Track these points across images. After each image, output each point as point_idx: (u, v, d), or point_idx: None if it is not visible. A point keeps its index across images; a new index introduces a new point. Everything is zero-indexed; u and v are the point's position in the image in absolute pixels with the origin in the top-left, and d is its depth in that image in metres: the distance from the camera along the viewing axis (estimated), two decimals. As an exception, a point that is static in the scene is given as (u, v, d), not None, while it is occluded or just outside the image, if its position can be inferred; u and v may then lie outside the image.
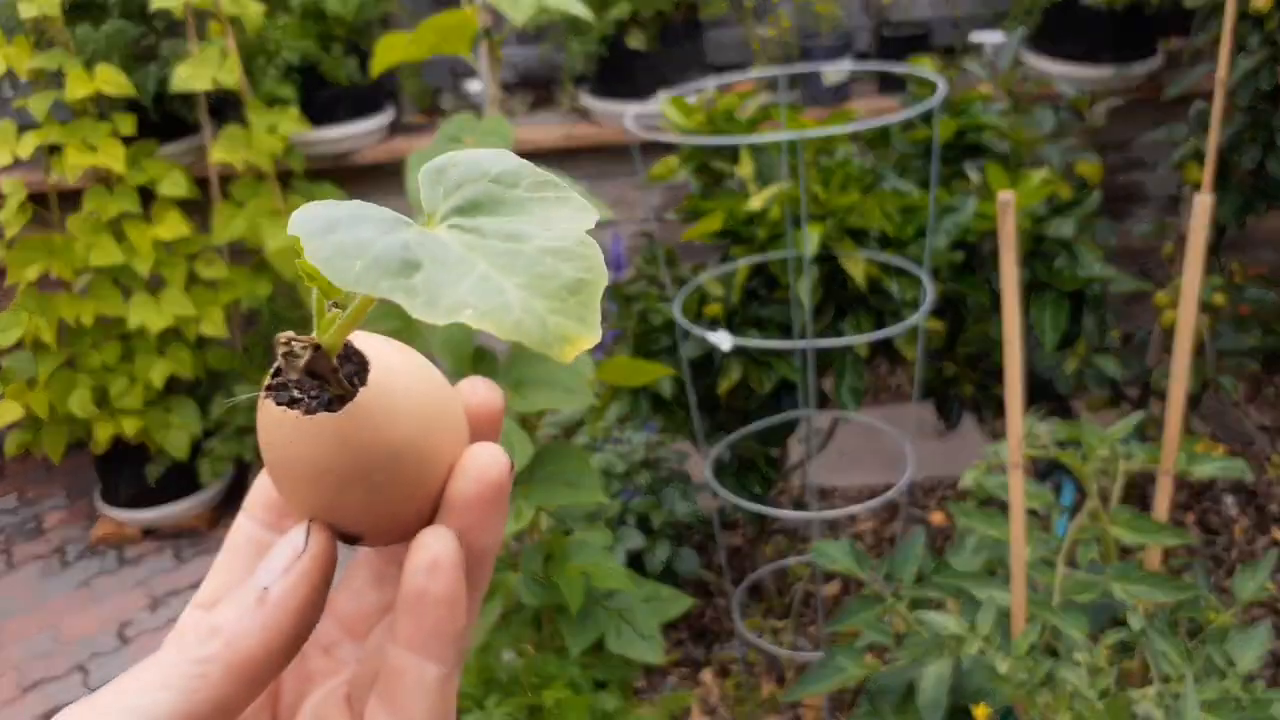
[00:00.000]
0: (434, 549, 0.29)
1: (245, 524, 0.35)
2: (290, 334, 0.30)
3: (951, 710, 1.13)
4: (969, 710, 1.13)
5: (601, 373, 1.43)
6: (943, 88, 1.44)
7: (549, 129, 2.57)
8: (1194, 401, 2.21)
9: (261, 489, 0.35)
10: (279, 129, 2.35)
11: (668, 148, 2.05)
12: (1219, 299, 2.05)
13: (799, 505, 2.11)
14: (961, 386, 1.96)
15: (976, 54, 2.42)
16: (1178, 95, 2.18)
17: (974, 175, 1.81)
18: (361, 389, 0.29)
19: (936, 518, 2.33)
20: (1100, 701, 0.98)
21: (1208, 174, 1.31)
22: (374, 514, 0.30)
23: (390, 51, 1.30)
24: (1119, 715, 0.96)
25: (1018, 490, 1.04)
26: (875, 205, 1.56)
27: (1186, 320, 1.09)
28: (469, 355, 1.31)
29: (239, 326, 2.62)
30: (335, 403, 0.29)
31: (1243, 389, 2.64)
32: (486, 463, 0.31)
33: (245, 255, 2.61)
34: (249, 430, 2.48)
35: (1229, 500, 2.32)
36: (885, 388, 2.83)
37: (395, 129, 2.71)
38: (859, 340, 1.44)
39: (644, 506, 1.97)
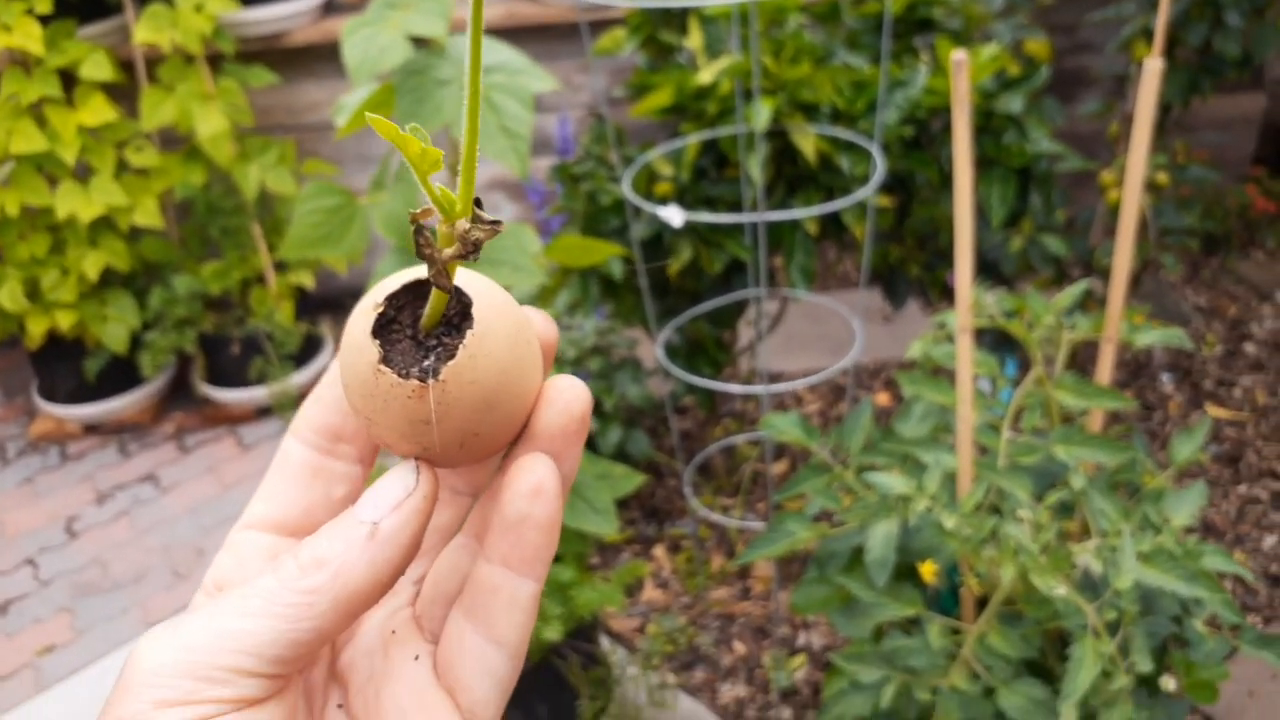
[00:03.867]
0: (537, 474, 0.30)
1: (296, 447, 0.35)
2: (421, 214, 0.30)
3: (898, 569, 1.16)
4: (915, 569, 1.17)
5: (550, 252, 1.41)
6: (895, -46, 1.40)
7: (490, 7, 2.48)
8: (1134, 281, 2.25)
9: (312, 414, 0.35)
10: (206, 7, 2.25)
11: (613, 27, 2.00)
12: (1162, 178, 2.07)
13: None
14: (908, 268, 1.97)
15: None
16: (1127, -29, 2.16)
17: (924, 54, 1.79)
18: (476, 324, 0.30)
19: (881, 399, 2.37)
20: (1042, 555, 1.01)
21: (1157, 44, 1.30)
22: (477, 442, 0.30)
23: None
24: (1060, 566, 0.99)
25: (965, 354, 1.06)
26: (826, 79, 1.54)
27: (1133, 185, 1.10)
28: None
29: (174, 216, 2.54)
30: (453, 336, 0.30)
31: (1181, 270, 2.69)
32: (571, 397, 0.32)
33: (177, 142, 2.52)
34: (189, 322, 2.43)
35: (1164, 378, 2.38)
36: (833, 274, 2.85)
37: (328, 9, 2.61)
38: (810, 213, 1.43)
39: (596, 390, 1.98)
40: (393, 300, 0.31)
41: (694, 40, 1.59)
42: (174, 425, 2.57)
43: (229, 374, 2.51)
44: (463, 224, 0.30)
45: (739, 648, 1.78)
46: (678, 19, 1.69)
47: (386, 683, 0.32)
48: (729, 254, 1.69)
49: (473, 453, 0.31)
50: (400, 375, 0.29)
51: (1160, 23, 1.32)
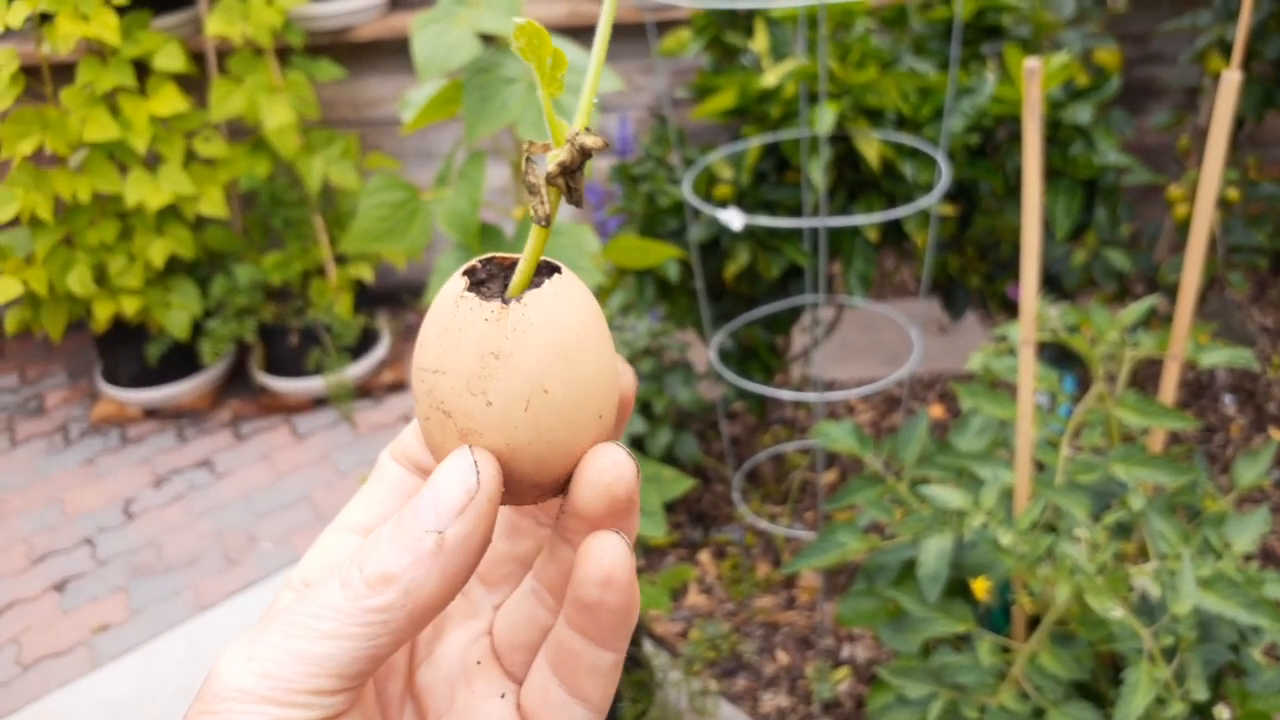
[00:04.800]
0: (606, 564, 0.29)
1: (392, 465, 0.35)
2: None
3: (949, 585, 1.15)
4: (966, 584, 1.15)
5: (608, 252, 1.42)
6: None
7: (552, 5, 2.49)
8: (1200, 299, 2.20)
9: (409, 444, 0.34)
10: (277, 1, 2.28)
11: (678, 28, 2.00)
12: (1233, 194, 2.02)
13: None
14: (968, 279, 1.94)
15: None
16: (1204, -18, 2.12)
17: (991, 61, 1.77)
18: (564, 274, 0.31)
19: (936, 411, 2.34)
20: (1099, 576, 0.99)
21: (1236, 54, 1.27)
22: (545, 406, 0.29)
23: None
24: (1117, 588, 0.97)
25: (1028, 366, 1.04)
26: (892, 84, 1.52)
27: (1206, 200, 1.07)
28: (476, 229, 1.29)
29: (238, 207, 2.58)
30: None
31: (1248, 289, 2.63)
32: (612, 478, 0.30)
33: (244, 133, 2.56)
34: (249, 311, 2.47)
35: (1227, 399, 2.33)
36: (889, 283, 2.82)
37: (395, 4, 2.64)
38: (872, 220, 1.42)
39: (646, 392, 1.97)
40: (486, 263, 0.32)
41: (759, 43, 1.58)
42: (231, 412, 2.61)
43: (286, 364, 2.55)
44: (573, 129, 0.30)
45: (782, 657, 1.77)
46: (743, 21, 1.68)
47: (472, 717, 0.33)
48: (787, 259, 1.68)
49: (536, 426, 0.29)
50: (482, 299, 0.29)
51: (1240, 33, 1.29)
